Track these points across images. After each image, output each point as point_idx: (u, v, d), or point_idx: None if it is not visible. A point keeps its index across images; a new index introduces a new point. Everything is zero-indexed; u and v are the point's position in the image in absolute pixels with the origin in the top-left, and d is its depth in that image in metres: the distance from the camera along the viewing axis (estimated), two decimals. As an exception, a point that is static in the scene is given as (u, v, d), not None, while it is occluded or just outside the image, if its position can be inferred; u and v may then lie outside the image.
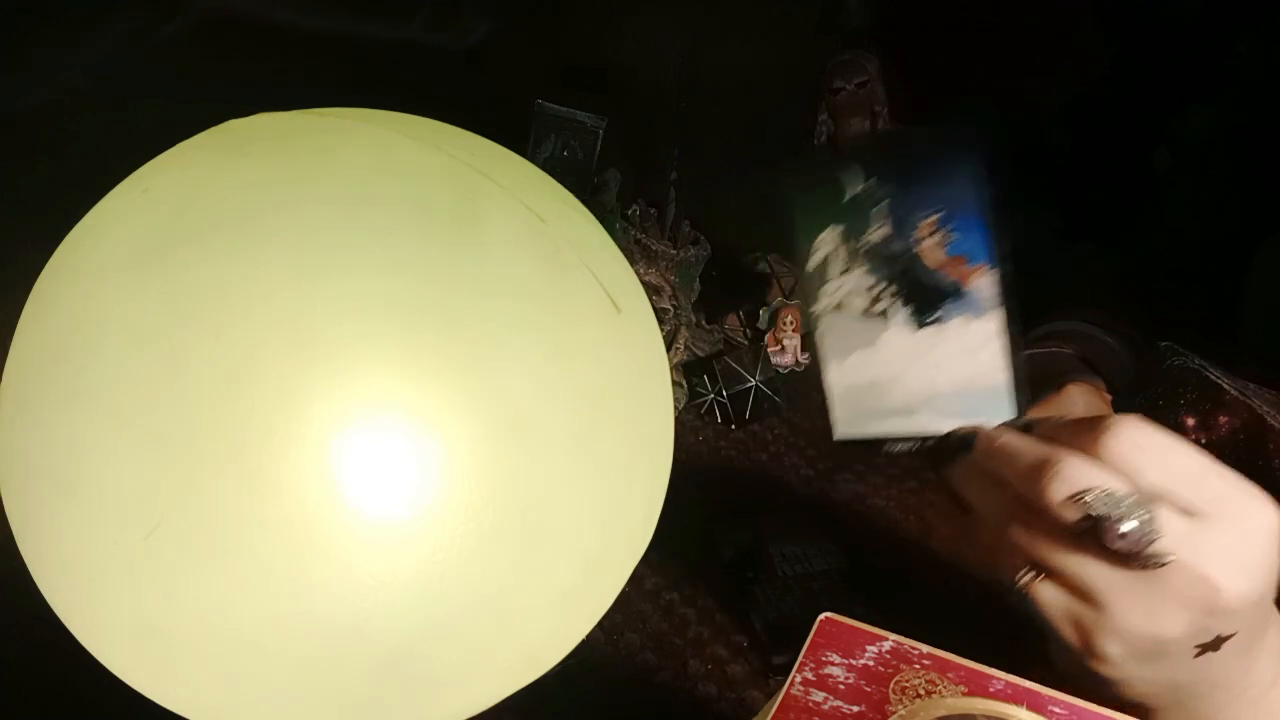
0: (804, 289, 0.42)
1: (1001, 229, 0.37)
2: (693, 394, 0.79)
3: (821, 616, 0.29)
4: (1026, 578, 0.34)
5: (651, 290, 0.77)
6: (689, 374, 0.80)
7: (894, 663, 0.28)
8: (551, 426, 0.29)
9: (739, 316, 0.87)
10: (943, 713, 0.26)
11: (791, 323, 0.85)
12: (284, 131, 0.32)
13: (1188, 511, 0.31)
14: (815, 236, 0.41)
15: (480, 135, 0.35)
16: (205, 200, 0.29)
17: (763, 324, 0.84)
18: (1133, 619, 0.31)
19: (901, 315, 0.40)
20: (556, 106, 0.79)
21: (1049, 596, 0.33)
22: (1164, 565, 0.30)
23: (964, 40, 0.76)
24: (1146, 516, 0.30)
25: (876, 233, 0.40)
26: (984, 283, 0.38)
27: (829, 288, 0.41)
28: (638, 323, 0.34)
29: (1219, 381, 0.54)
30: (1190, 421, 0.49)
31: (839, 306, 0.41)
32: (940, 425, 0.39)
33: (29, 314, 0.31)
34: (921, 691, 0.27)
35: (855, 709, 0.26)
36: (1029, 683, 0.27)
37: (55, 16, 0.56)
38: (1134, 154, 0.78)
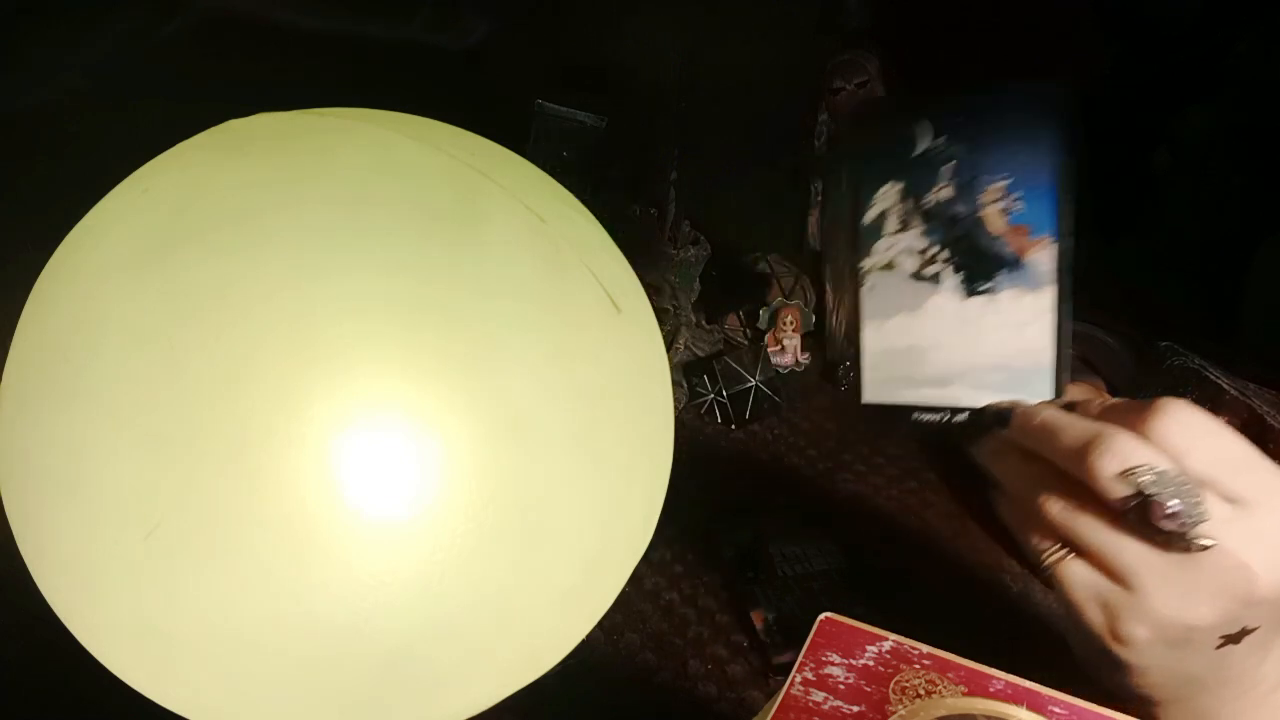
0: (856, 242, 0.41)
1: (1072, 203, 0.36)
2: (693, 394, 0.79)
3: (821, 616, 0.29)
4: (1055, 555, 0.34)
5: (651, 290, 0.77)
6: (689, 374, 0.80)
7: (894, 663, 0.28)
8: (551, 426, 0.29)
9: (739, 316, 0.87)
10: (943, 713, 0.26)
11: (791, 323, 0.85)
12: (284, 131, 0.32)
13: (1230, 498, 0.31)
14: (875, 190, 0.40)
15: (480, 135, 0.35)
16: (205, 200, 0.29)
17: (763, 324, 0.84)
18: (1165, 603, 0.31)
19: (952, 281, 0.39)
20: (556, 106, 0.79)
21: (1078, 576, 0.33)
22: (1205, 549, 0.30)
23: (964, 40, 0.76)
24: (1195, 497, 0.30)
25: (940, 192, 0.38)
26: (1043, 256, 0.37)
27: (881, 244, 0.40)
28: (638, 323, 0.34)
29: (1219, 381, 0.54)
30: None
31: (888, 266, 0.40)
32: (974, 399, 0.38)
33: (29, 314, 0.31)
34: (921, 691, 0.27)
35: (855, 709, 0.26)
36: (1029, 683, 0.27)
37: (55, 16, 0.56)
38: (1134, 154, 0.78)
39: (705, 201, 0.85)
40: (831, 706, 0.26)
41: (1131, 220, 0.81)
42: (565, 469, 0.29)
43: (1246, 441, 0.32)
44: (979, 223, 0.38)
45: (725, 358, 0.79)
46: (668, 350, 0.77)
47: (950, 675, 0.27)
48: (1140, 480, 0.30)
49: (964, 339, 0.38)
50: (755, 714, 0.29)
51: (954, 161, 0.38)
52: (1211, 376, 0.54)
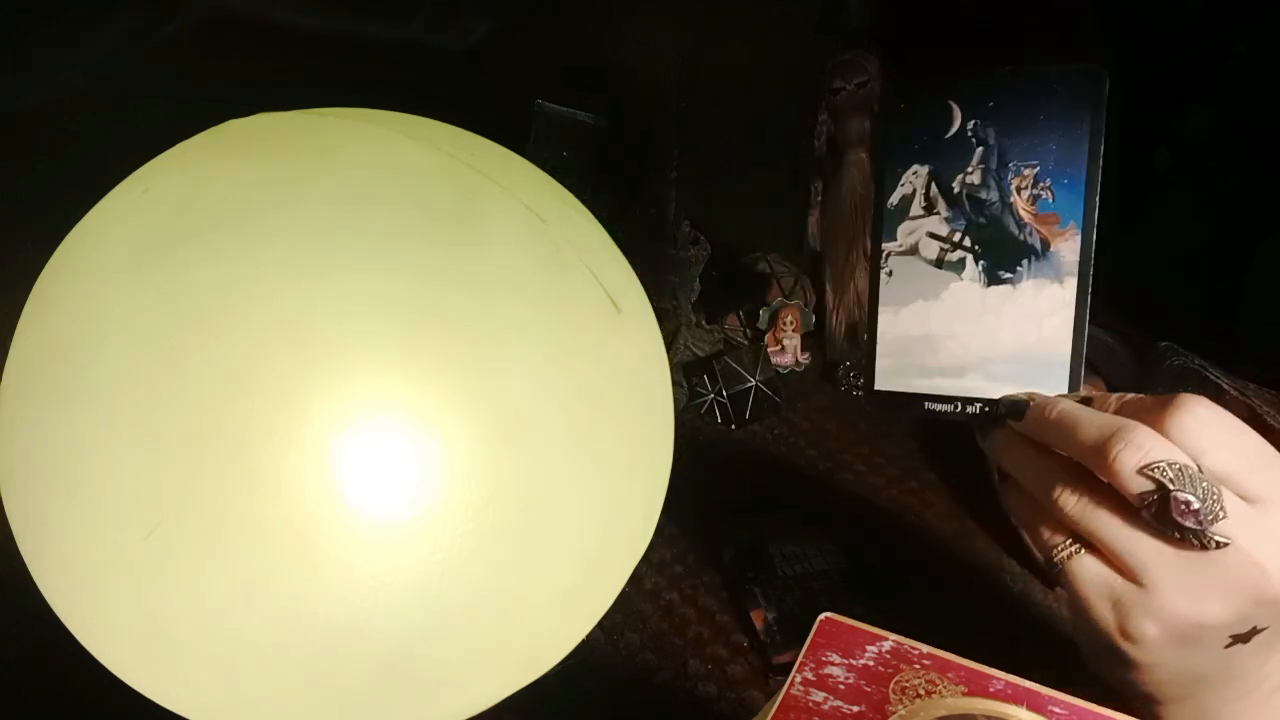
0: (878, 225, 0.40)
1: (1101, 193, 0.36)
2: (693, 394, 0.79)
3: (821, 616, 0.29)
4: (1066, 551, 0.33)
5: (651, 290, 0.77)
6: (689, 374, 0.80)
7: (894, 663, 0.28)
8: (551, 426, 0.29)
9: (739, 316, 0.87)
10: (943, 713, 0.26)
11: (791, 323, 0.85)
12: (284, 131, 0.32)
13: (1247, 496, 0.31)
14: (903, 172, 0.39)
15: (480, 135, 0.35)
16: (205, 200, 0.29)
17: (763, 324, 0.84)
18: (1177, 601, 0.31)
19: (974, 269, 0.38)
20: (556, 106, 0.79)
21: (1088, 571, 0.33)
22: (1221, 547, 0.30)
23: (964, 40, 0.76)
24: (1215, 494, 0.30)
25: (969, 177, 0.38)
26: (1069, 246, 0.36)
27: (904, 228, 0.39)
28: (638, 323, 0.34)
29: (1219, 381, 0.54)
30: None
31: (910, 250, 0.39)
32: (988, 390, 0.38)
33: (29, 314, 0.31)
34: (921, 691, 0.27)
35: (855, 709, 0.26)
36: (1029, 683, 0.27)
37: (55, 16, 0.56)
38: (1134, 154, 0.78)
39: (705, 201, 0.85)
40: (831, 706, 0.26)
41: (1131, 220, 0.81)
42: (565, 469, 0.29)
43: (1264, 440, 0.32)
44: (1006, 210, 0.37)
45: (725, 358, 0.79)
46: (668, 350, 0.77)
47: (950, 675, 0.27)
48: (1160, 476, 0.30)
49: (982, 328, 0.38)
50: (755, 714, 0.29)
51: (984, 146, 0.37)
52: (1211, 376, 0.54)
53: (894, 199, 0.40)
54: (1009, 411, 0.37)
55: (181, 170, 0.31)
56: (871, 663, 0.28)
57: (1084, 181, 0.36)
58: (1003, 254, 0.38)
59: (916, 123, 0.39)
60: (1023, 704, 0.26)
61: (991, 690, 0.27)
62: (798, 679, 0.27)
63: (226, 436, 0.25)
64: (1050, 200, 0.37)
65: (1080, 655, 0.36)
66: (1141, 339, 0.66)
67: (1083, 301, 0.36)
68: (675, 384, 0.74)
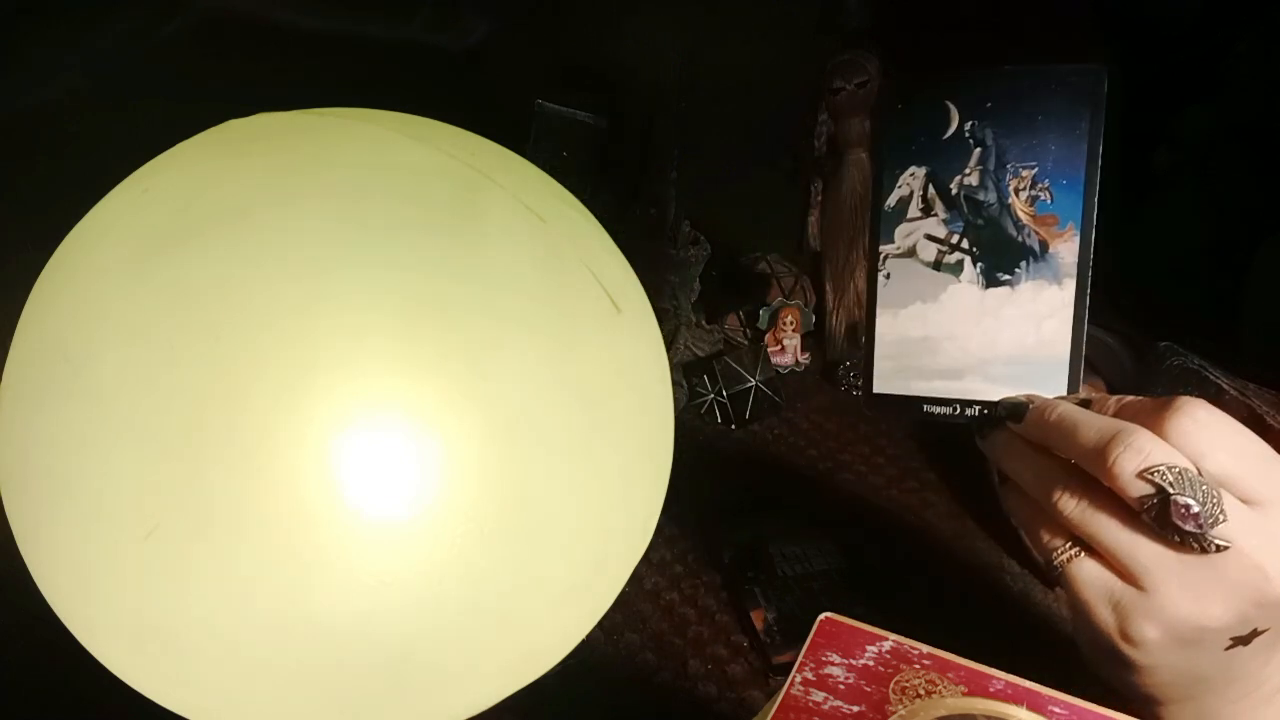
0: (875, 227, 0.40)
1: (1100, 194, 0.36)
2: (693, 394, 0.79)
3: (821, 616, 0.29)
4: (1066, 553, 0.33)
5: (651, 290, 0.77)
6: (689, 374, 0.80)
7: (894, 663, 0.28)
8: (551, 426, 0.29)
9: (739, 316, 0.87)
10: (943, 713, 0.26)
11: (791, 323, 0.85)
12: (284, 131, 0.32)
13: (1248, 499, 0.31)
14: (900, 173, 0.39)
15: (480, 135, 0.35)
16: (205, 200, 0.29)
17: (763, 324, 0.84)
18: (1178, 604, 0.31)
19: (972, 271, 0.38)
20: (556, 106, 0.79)
21: (1088, 574, 0.33)
22: (1221, 550, 0.30)
23: (964, 40, 0.76)
24: (1215, 497, 0.30)
25: (966, 178, 0.38)
26: (1068, 248, 0.36)
27: (902, 230, 0.39)
28: (638, 323, 0.34)
29: (1219, 381, 0.54)
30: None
31: (908, 252, 0.39)
32: (987, 392, 0.38)
33: (29, 314, 0.31)
34: (921, 691, 0.27)
35: (855, 709, 0.26)
36: (1029, 683, 0.27)
37: (55, 16, 0.56)
38: (1134, 154, 0.78)
39: (705, 201, 0.85)
40: (831, 706, 0.26)
41: (1131, 220, 0.81)
42: (565, 469, 0.29)
43: (1263, 443, 0.32)
44: (1005, 211, 0.37)
45: (725, 358, 0.79)
46: (668, 350, 0.77)
47: (950, 675, 0.27)
48: (1160, 480, 0.30)
49: (980, 331, 0.38)
50: (755, 714, 0.29)
51: (981, 148, 0.37)
52: (1211, 376, 0.54)
53: (891, 201, 0.39)
54: (1008, 414, 0.37)
55: (181, 170, 0.31)
56: (871, 663, 0.28)
57: (1083, 182, 0.36)
58: (1001, 256, 0.37)
59: (914, 124, 0.39)
60: (1023, 704, 0.26)
61: (991, 690, 0.27)
62: (798, 679, 0.27)
63: (226, 436, 0.25)
64: (1049, 201, 0.37)
65: (1080, 655, 0.36)
66: (1141, 339, 0.66)
67: (1081, 303, 0.36)
68: (675, 384, 0.74)
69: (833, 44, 0.82)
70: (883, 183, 0.39)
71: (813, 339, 0.87)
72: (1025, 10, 0.75)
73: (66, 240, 0.32)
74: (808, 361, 0.86)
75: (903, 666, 0.28)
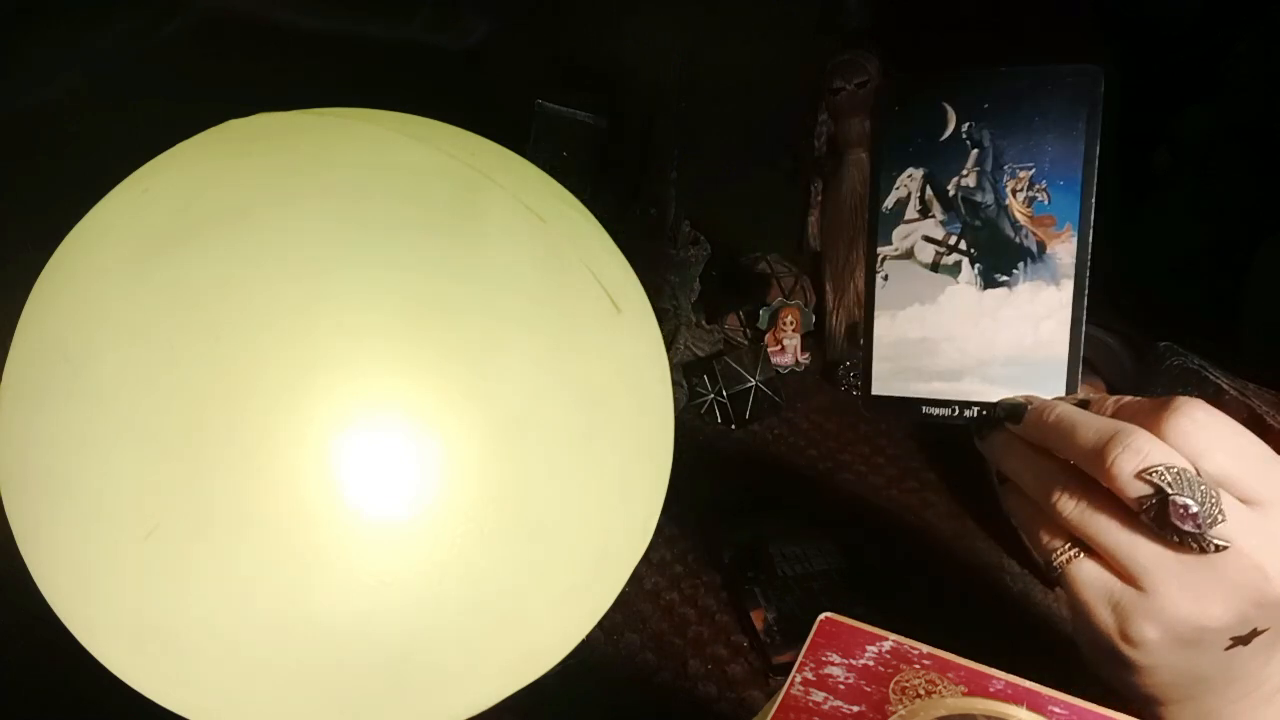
0: (873, 229, 0.40)
1: (1098, 194, 0.36)
2: (693, 394, 0.79)
3: (821, 616, 0.29)
4: (1065, 555, 0.33)
5: (651, 290, 0.77)
6: (689, 374, 0.80)
7: (894, 663, 0.28)
8: (551, 426, 0.29)
9: (739, 316, 0.87)
10: (943, 713, 0.26)
11: (791, 323, 0.85)
12: (284, 131, 0.32)
13: (1246, 499, 0.31)
14: (897, 175, 0.39)
15: (480, 135, 0.35)
16: (205, 200, 0.29)
17: (763, 324, 0.84)
18: (1178, 604, 0.31)
19: (970, 272, 0.38)
20: (556, 106, 0.79)
21: (1088, 575, 0.33)
22: (1221, 550, 0.30)
23: (964, 40, 0.76)
24: (1213, 497, 0.30)
25: (964, 180, 0.38)
26: (1065, 248, 0.36)
27: (899, 232, 0.39)
28: (638, 323, 0.34)
29: (1219, 381, 0.54)
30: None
31: (905, 254, 0.39)
32: (985, 393, 0.38)
33: (29, 314, 0.31)
34: (921, 691, 0.27)
35: (855, 709, 0.26)
36: (1029, 683, 0.27)
37: (55, 16, 0.56)
38: (1134, 154, 0.78)
39: (705, 201, 0.85)
40: (831, 706, 0.26)
41: (1131, 220, 0.81)
42: (565, 469, 0.29)
43: (1261, 442, 0.32)
44: (1002, 212, 0.37)
45: (725, 358, 0.79)
46: (668, 350, 0.77)
47: (950, 675, 0.27)
48: (1158, 480, 0.30)
49: (979, 332, 0.38)
50: (755, 714, 0.29)
51: (979, 149, 0.37)
52: (1211, 376, 0.54)
53: (889, 202, 0.39)
54: (1007, 415, 0.37)
55: (181, 170, 0.31)
56: (871, 663, 0.28)
57: (1080, 183, 0.36)
58: (999, 257, 0.37)
59: (911, 126, 0.39)
60: (1023, 704, 0.26)
61: (991, 690, 0.27)
62: (798, 679, 0.27)
63: (226, 436, 0.25)
64: (1046, 202, 0.37)
65: (1080, 655, 0.36)
66: (1141, 339, 0.66)
67: (1079, 303, 0.36)
68: (675, 384, 0.74)
69: (833, 44, 0.82)
70: (880, 185, 0.39)
71: (813, 339, 0.87)
72: (1025, 10, 0.75)
73: (66, 240, 0.32)
74: (808, 361, 0.86)
75: (903, 666, 0.28)
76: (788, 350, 0.85)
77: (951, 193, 0.38)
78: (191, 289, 0.27)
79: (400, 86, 0.42)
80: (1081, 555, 0.33)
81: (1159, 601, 0.31)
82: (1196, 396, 0.32)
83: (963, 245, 0.38)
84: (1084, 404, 0.35)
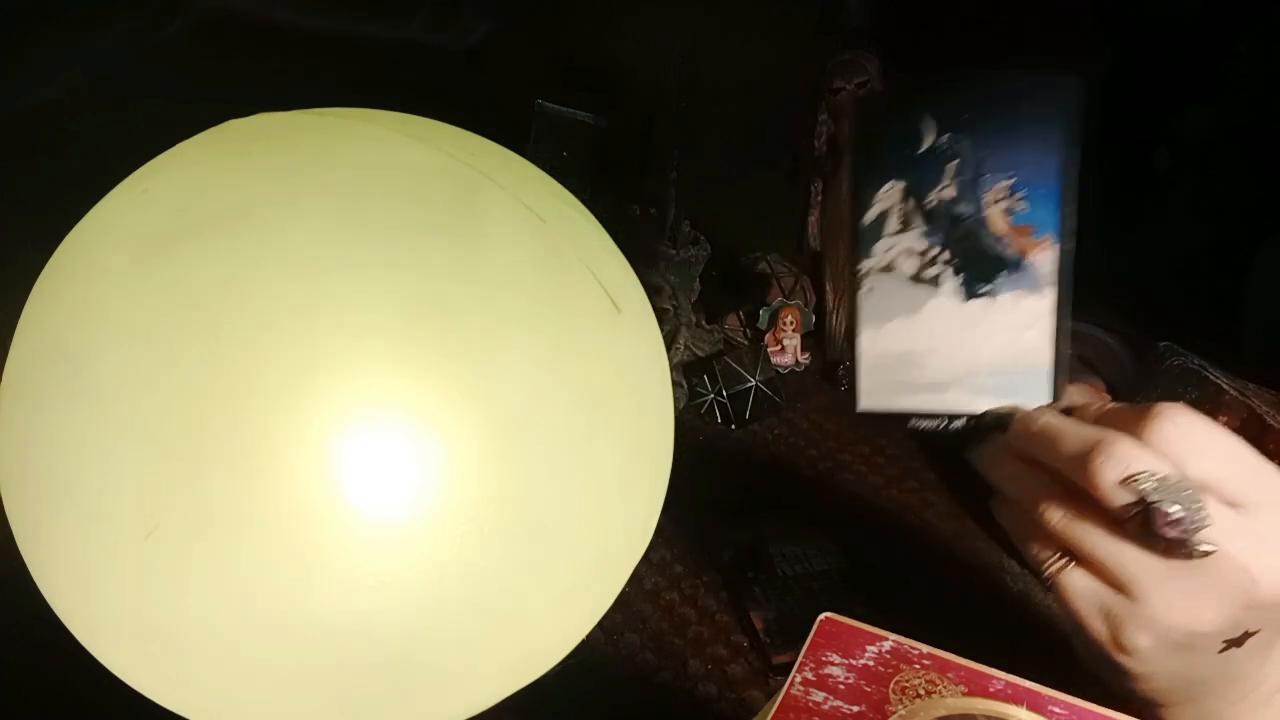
0: (854, 244, 0.40)
1: (1075, 202, 0.36)
2: (693, 394, 0.79)
3: (821, 616, 0.29)
4: (1056, 565, 0.33)
5: (651, 290, 0.77)
6: (689, 374, 0.80)
7: (894, 663, 0.28)
8: (551, 426, 0.29)
9: (739, 316, 0.87)
10: (943, 713, 0.26)
11: (791, 323, 0.85)
12: (284, 131, 0.32)
13: (1231, 502, 0.30)
14: (877, 189, 0.39)
15: (480, 135, 0.35)
16: (205, 199, 0.29)
17: (763, 324, 0.84)
18: (1168, 610, 0.31)
19: (952, 284, 0.38)
20: (556, 106, 0.79)
21: (1079, 585, 0.33)
22: (1207, 555, 0.30)
23: (964, 40, 0.76)
24: (1197, 503, 0.29)
25: (942, 192, 0.37)
26: (1045, 257, 0.36)
27: (880, 245, 0.39)
28: (638, 323, 0.34)
29: (1219, 381, 0.54)
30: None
31: (888, 268, 0.39)
32: (971, 403, 0.38)
33: (29, 314, 0.31)
34: (921, 691, 0.27)
35: (855, 709, 0.26)
36: (1029, 683, 0.27)
37: (55, 16, 0.56)
38: (1134, 154, 0.78)
39: (705, 201, 0.85)
40: (831, 706, 0.26)
41: (1131, 221, 0.81)
42: (565, 469, 0.29)
43: (1246, 444, 0.32)
44: (982, 223, 0.37)
45: (725, 358, 0.79)
46: (668, 350, 0.77)
47: (950, 675, 0.27)
48: (1141, 487, 0.30)
49: (962, 343, 0.38)
50: (755, 714, 0.29)
51: (958, 160, 0.37)
52: (1211, 376, 0.54)
53: (869, 216, 0.39)
54: (994, 425, 0.37)
55: (181, 170, 0.31)
56: (871, 663, 0.28)
57: (1058, 192, 0.36)
58: (980, 267, 0.37)
59: (889, 139, 0.39)
60: (1023, 704, 0.26)
61: (991, 690, 0.27)
62: (798, 679, 0.27)
63: (226, 436, 0.25)
64: (1025, 211, 0.37)
65: (1079, 657, 0.36)
66: (1141, 339, 0.66)
67: (1062, 312, 0.36)
68: (675, 384, 0.74)
69: (833, 44, 0.82)
70: (860, 199, 0.39)
71: (813, 339, 0.87)
72: (1025, 10, 0.75)
73: (66, 240, 0.32)
74: (808, 361, 0.86)
75: (903, 666, 0.28)
76: (788, 350, 0.85)
77: (932, 204, 0.38)
78: (191, 289, 0.27)
79: (400, 86, 0.42)
80: (1072, 565, 0.33)
81: (1149, 609, 0.31)
82: (1196, 396, 0.32)
83: (944, 257, 0.38)
84: (1069, 411, 0.35)
